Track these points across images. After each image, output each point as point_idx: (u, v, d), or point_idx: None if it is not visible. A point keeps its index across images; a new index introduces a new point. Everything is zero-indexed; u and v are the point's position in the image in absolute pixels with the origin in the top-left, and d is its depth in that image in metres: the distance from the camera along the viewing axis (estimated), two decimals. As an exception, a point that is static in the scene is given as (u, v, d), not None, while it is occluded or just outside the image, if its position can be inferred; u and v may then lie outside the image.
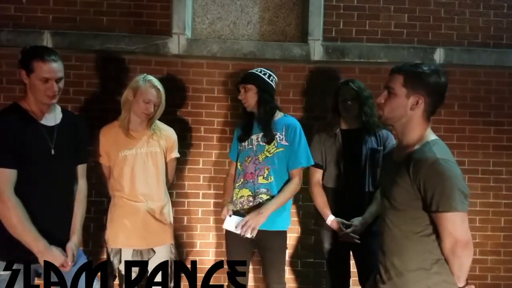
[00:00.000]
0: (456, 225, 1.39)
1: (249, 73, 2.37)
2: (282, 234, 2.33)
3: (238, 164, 2.37)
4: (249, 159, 2.30)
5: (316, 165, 2.42)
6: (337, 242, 2.35)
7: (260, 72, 2.34)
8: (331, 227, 2.35)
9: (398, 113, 1.51)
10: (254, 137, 2.33)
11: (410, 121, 1.51)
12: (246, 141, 2.35)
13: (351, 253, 2.42)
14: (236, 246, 2.32)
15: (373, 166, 2.37)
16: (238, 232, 2.19)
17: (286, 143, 2.28)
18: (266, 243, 2.28)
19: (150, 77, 2.25)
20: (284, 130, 2.30)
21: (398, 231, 1.52)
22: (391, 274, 1.54)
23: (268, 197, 2.26)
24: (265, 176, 2.26)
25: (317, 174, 2.45)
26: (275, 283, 2.31)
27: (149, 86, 2.20)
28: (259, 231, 2.22)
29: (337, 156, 2.39)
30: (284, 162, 2.29)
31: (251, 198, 2.28)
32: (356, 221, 2.29)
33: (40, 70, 1.77)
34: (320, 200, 2.41)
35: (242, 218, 2.22)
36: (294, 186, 2.29)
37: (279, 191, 2.27)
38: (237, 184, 2.34)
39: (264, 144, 2.28)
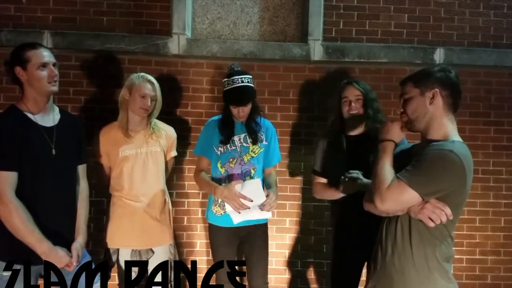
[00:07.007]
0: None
1: (245, 91, 2.19)
2: (266, 227, 2.38)
3: (219, 166, 2.29)
4: (234, 161, 2.27)
5: (316, 172, 2.33)
6: (352, 255, 2.17)
7: (248, 82, 2.21)
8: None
9: (420, 111, 1.53)
10: (235, 138, 2.29)
11: (433, 118, 1.52)
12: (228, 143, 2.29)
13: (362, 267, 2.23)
14: (224, 246, 2.30)
15: None
16: (261, 201, 2.15)
17: (266, 143, 2.34)
18: (253, 237, 2.29)
19: (143, 74, 2.28)
20: (264, 130, 2.34)
21: (400, 229, 1.52)
22: (391, 270, 1.53)
23: None
24: (252, 175, 2.27)
25: (319, 180, 2.33)
26: (259, 285, 2.31)
27: (143, 81, 2.22)
28: (245, 227, 2.25)
29: (341, 166, 2.15)
30: (262, 161, 2.34)
31: None
32: (354, 173, 2.04)
33: (37, 56, 1.80)
34: (319, 188, 2.30)
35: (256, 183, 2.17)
36: (276, 178, 2.44)
37: (270, 185, 2.32)
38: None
39: (248, 145, 2.28)
